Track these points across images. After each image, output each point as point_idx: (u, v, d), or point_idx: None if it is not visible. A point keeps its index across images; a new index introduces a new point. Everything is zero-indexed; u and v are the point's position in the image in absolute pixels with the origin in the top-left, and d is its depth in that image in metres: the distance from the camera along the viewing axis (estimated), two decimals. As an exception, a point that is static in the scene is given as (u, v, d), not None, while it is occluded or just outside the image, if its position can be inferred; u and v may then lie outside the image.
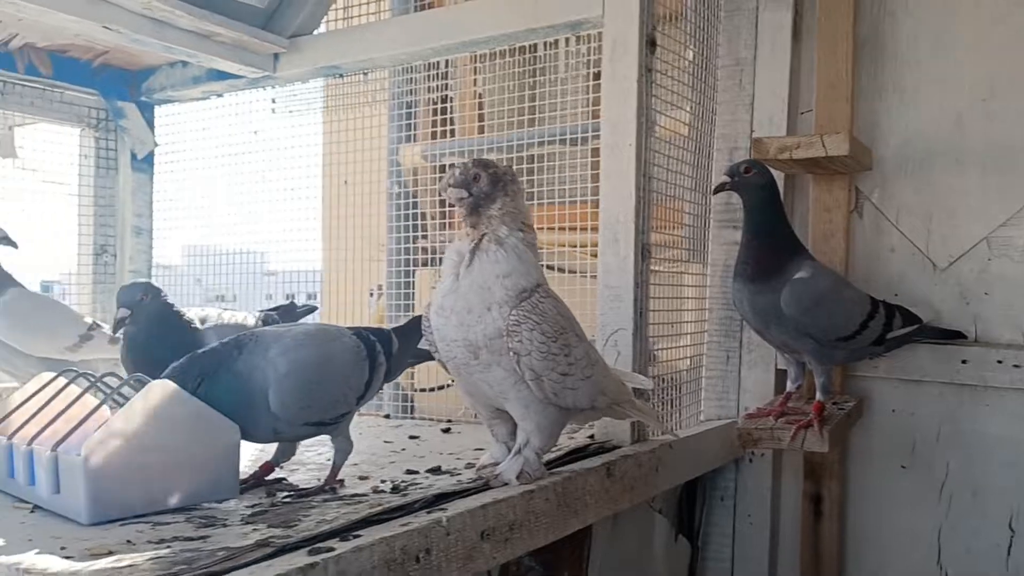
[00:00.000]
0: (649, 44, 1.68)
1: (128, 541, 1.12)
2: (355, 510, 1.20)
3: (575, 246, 2.20)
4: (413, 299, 2.44)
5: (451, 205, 1.35)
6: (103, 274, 2.58)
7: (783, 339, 1.83)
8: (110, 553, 1.06)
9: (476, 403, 1.41)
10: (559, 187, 2.15)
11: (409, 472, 1.56)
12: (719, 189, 1.88)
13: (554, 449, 1.66)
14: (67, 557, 1.04)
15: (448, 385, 2.26)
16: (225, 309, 1.92)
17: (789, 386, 1.95)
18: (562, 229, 2.17)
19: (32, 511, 1.31)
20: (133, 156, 2.61)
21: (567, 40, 2.12)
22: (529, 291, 1.30)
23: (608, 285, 1.70)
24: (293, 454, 1.55)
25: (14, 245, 1.80)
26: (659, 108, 1.77)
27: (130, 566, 0.99)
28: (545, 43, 2.13)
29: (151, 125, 2.65)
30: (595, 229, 2.02)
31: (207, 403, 1.33)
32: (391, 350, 1.56)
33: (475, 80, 2.46)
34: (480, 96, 2.50)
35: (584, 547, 1.57)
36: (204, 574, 0.93)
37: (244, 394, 1.37)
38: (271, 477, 1.52)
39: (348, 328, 1.56)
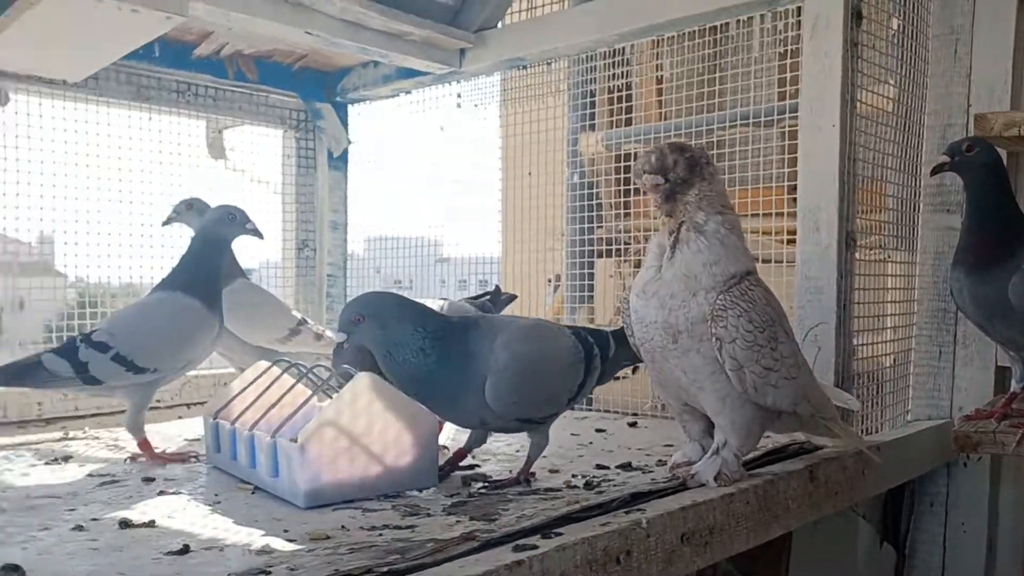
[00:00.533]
0: (855, 17, 1.57)
1: (343, 527, 1.18)
2: (553, 506, 1.21)
3: (766, 233, 2.11)
4: (593, 289, 2.43)
5: (644, 192, 1.30)
6: (304, 267, 2.76)
7: (1009, 334, 1.66)
8: (327, 538, 1.12)
9: (668, 395, 1.37)
10: (748, 172, 2.06)
11: (599, 467, 1.55)
12: (937, 170, 1.71)
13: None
14: (290, 540, 1.12)
15: (627, 376, 2.22)
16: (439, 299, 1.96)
17: (1013, 386, 1.77)
18: (754, 215, 2.07)
19: (253, 492, 1.41)
20: (329, 154, 2.76)
21: (762, 17, 2.02)
22: (739, 277, 1.25)
23: (808, 276, 1.61)
24: (484, 442, 1.58)
25: (260, 236, 1.85)
26: (862, 84, 1.65)
27: (349, 552, 1.04)
28: (738, 21, 2.03)
29: (345, 124, 2.80)
30: (789, 215, 1.92)
31: (427, 373, 1.36)
32: (607, 353, 1.51)
33: (657, 65, 2.40)
34: (661, 81, 2.43)
35: (783, 552, 1.50)
36: (417, 565, 0.96)
37: (463, 376, 1.37)
38: (464, 463, 1.56)
39: (567, 327, 1.55)
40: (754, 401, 1.27)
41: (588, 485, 1.41)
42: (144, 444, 1.68)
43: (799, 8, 1.66)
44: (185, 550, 1.07)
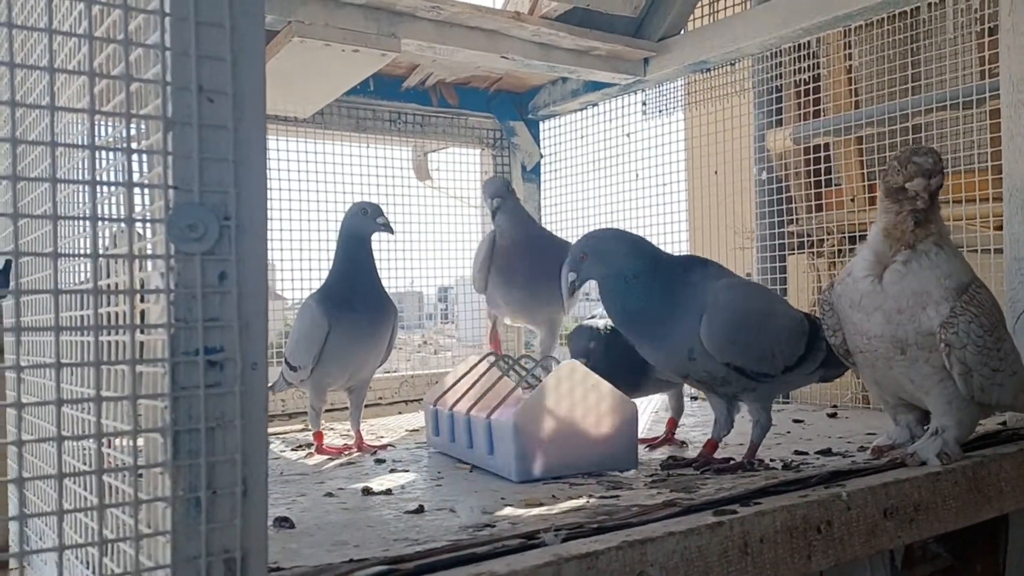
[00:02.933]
0: (1058, -14, 1.50)
1: (553, 496, 1.30)
2: (751, 481, 1.26)
3: (971, 219, 2.02)
4: (786, 284, 2.42)
5: (915, 196, 1.24)
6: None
7: None
8: (541, 504, 1.25)
9: (883, 392, 1.39)
10: (949, 156, 1.99)
11: (798, 453, 1.57)
12: None
13: (959, 435, 1.56)
14: (508, 505, 1.25)
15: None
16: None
17: None
18: (956, 202, 2.00)
19: (471, 470, 1.57)
20: (523, 168, 2.94)
21: (955, -3, 1.96)
22: (967, 285, 1.25)
23: (1017, 258, 1.55)
24: (682, 411, 1.66)
25: (391, 231, 1.83)
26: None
27: (561, 513, 1.16)
28: (929, 4, 1.98)
29: (536, 139, 2.97)
30: (995, 199, 1.84)
31: (639, 300, 1.39)
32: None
33: (847, 55, 2.37)
34: (851, 71, 2.40)
35: (1000, 539, 1.45)
36: (623, 523, 1.05)
37: (677, 307, 1.37)
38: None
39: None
40: (979, 401, 1.28)
41: (786, 467, 1.44)
42: (316, 436, 1.86)
43: (996, -16, 1.61)
44: (420, 510, 1.24)
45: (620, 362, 1.58)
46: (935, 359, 1.24)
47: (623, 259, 1.41)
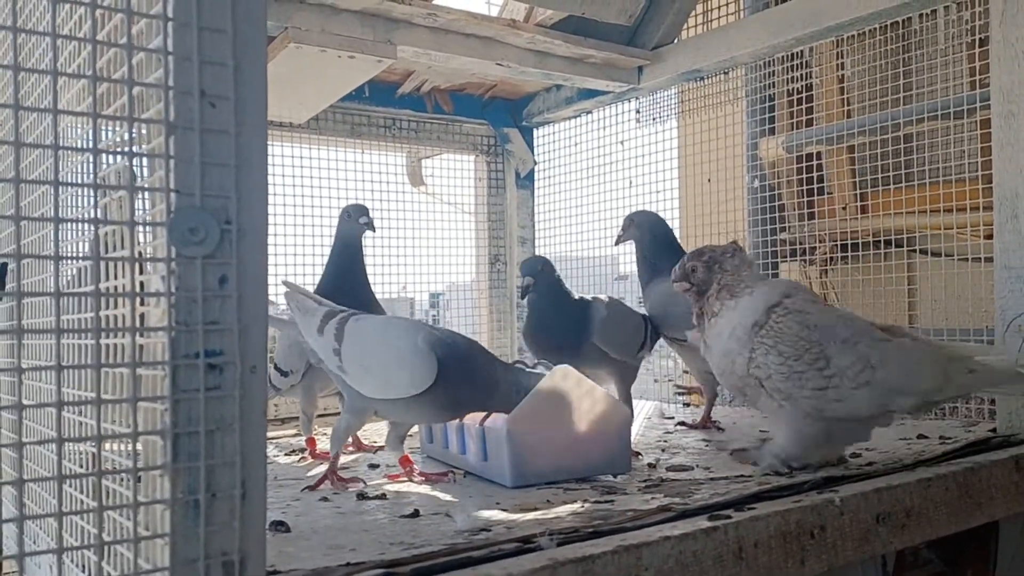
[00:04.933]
0: (1048, -2, 1.52)
1: (547, 501, 1.30)
2: (744, 487, 1.27)
3: (961, 227, 2.04)
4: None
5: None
6: (496, 281, 2.95)
7: None
8: (535, 508, 1.25)
9: None
10: (940, 165, 2.01)
11: (791, 458, 1.58)
12: None
13: (949, 441, 1.57)
14: (503, 510, 1.25)
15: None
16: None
17: None
18: (947, 211, 2.02)
19: (464, 475, 1.57)
20: (517, 175, 2.95)
21: (946, 9, 1.98)
22: (759, 323, 1.36)
23: (1007, 266, 1.57)
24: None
25: (372, 228, 1.84)
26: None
27: (556, 517, 1.16)
28: (921, 15, 2.01)
29: (531, 146, 2.98)
30: (986, 208, 1.86)
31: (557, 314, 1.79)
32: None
33: (839, 64, 2.39)
34: (843, 80, 2.42)
35: (990, 546, 1.46)
36: (618, 528, 1.06)
37: (579, 319, 1.84)
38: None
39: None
40: (828, 417, 1.33)
41: (779, 473, 1.45)
42: (309, 442, 1.84)
43: (986, -5, 1.63)
44: (416, 514, 1.24)
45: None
46: (756, 394, 1.37)
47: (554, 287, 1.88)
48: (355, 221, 1.81)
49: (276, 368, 1.86)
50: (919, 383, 1.32)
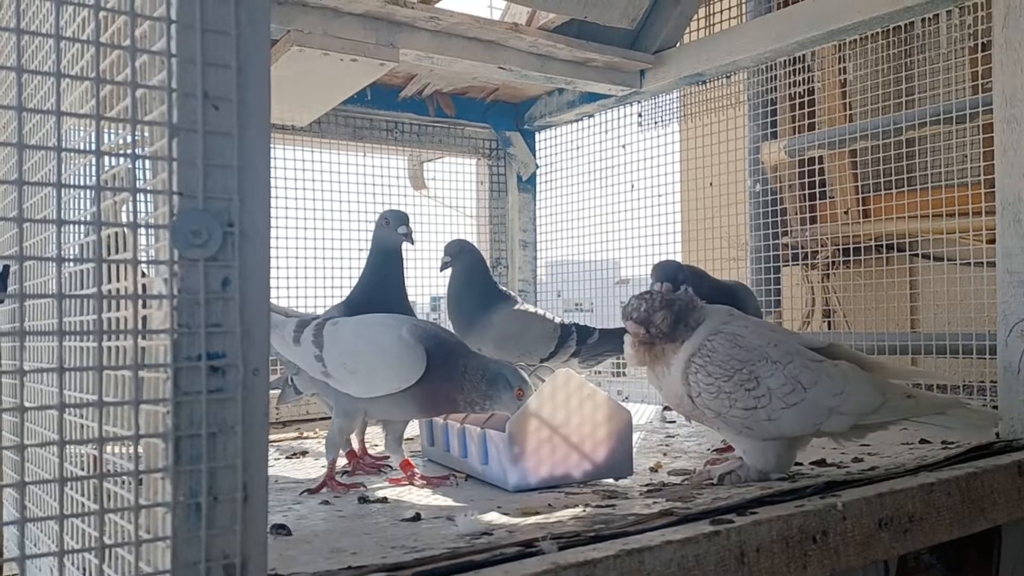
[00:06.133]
0: (1050, 3, 1.52)
1: (549, 504, 1.30)
2: (746, 491, 1.26)
3: (963, 232, 2.04)
4: (780, 295, 2.44)
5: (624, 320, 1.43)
6: (499, 283, 2.94)
7: None
8: (537, 513, 1.25)
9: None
10: (942, 169, 2.01)
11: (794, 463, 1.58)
12: None
13: (952, 446, 1.57)
14: (504, 514, 1.25)
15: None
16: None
17: None
18: (949, 215, 2.02)
19: (465, 479, 1.56)
20: (519, 178, 2.95)
21: (948, 13, 1.98)
22: (694, 352, 1.35)
23: (1010, 271, 1.57)
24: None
25: (410, 241, 1.75)
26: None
27: (558, 521, 1.16)
28: (923, 19, 2.01)
29: (533, 150, 2.98)
30: (988, 212, 1.86)
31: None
32: (587, 340, 2.00)
33: (841, 68, 2.39)
34: (845, 84, 2.42)
35: (993, 552, 1.46)
36: (620, 532, 1.05)
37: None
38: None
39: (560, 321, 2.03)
40: (763, 437, 1.34)
41: (783, 478, 1.44)
42: (349, 455, 1.66)
43: (988, 0, 1.63)
44: (417, 518, 1.24)
45: None
46: (717, 422, 1.37)
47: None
48: (393, 230, 1.71)
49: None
50: (852, 405, 1.32)
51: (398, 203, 2.76)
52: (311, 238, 2.54)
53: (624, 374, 2.65)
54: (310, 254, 2.53)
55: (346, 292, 2.53)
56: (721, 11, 2.51)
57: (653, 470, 1.57)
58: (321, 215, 2.55)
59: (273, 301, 1.63)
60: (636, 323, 1.39)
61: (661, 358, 1.39)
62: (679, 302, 1.40)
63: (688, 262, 2.68)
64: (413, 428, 2.19)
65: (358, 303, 1.66)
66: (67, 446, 0.72)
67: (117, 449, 0.79)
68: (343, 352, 1.46)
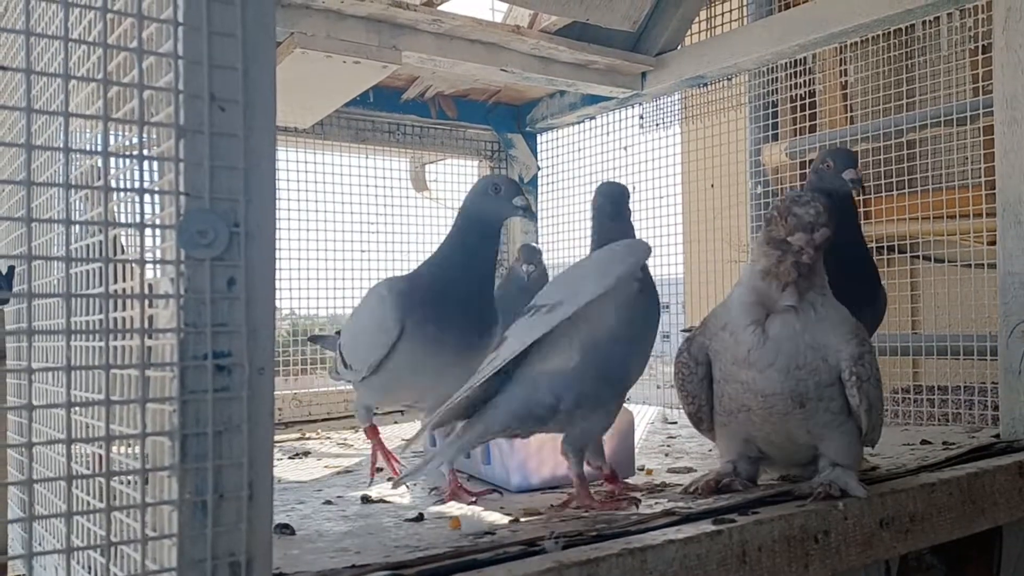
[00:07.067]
0: (1050, 5, 1.53)
1: (551, 505, 1.30)
2: (749, 491, 1.27)
3: (964, 234, 2.05)
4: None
5: (793, 252, 1.15)
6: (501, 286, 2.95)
7: None
8: (539, 512, 1.25)
9: (751, 442, 1.29)
10: (943, 171, 2.02)
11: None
12: None
13: (953, 447, 1.58)
14: (508, 515, 1.25)
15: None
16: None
17: None
18: (950, 217, 2.03)
19: (468, 479, 1.57)
20: (520, 180, 2.96)
21: (949, 15, 1.99)
22: (855, 323, 1.20)
23: (1011, 272, 1.57)
24: None
25: (531, 217, 1.47)
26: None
27: (560, 521, 1.16)
28: (924, 22, 2.01)
29: (534, 151, 2.99)
30: (989, 214, 1.87)
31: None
32: None
33: (842, 71, 2.40)
34: (846, 86, 2.43)
35: (993, 552, 1.46)
36: (623, 531, 1.06)
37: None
38: None
39: None
40: (866, 442, 1.24)
41: (783, 478, 1.45)
42: (370, 431, 1.54)
43: (989, 3, 1.64)
44: (420, 518, 1.24)
45: None
46: (835, 405, 1.19)
47: None
48: (506, 200, 1.35)
49: (340, 354, 1.52)
50: None
51: (399, 205, 2.76)
52: (313, 239, 2.54)
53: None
54: (312, 255, 2.54)
55: (347, 291, 2.58)
56: (722, 14, 2.52)
57: (647, 473, 1.56)
58: (323, 216, 2.55)
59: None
60: (826, 226, 1.13)
61: (811, 290, 1.17)
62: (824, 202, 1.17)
63: (689, 264, 2.69)
64: (415, 429, 2.19)
65: (429, 283, 1.36)
66: (74, 446, 0.72)
67: (124, 449, 0.79)
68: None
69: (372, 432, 1.53)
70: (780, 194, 2.48)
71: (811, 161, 2.37)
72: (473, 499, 1.36)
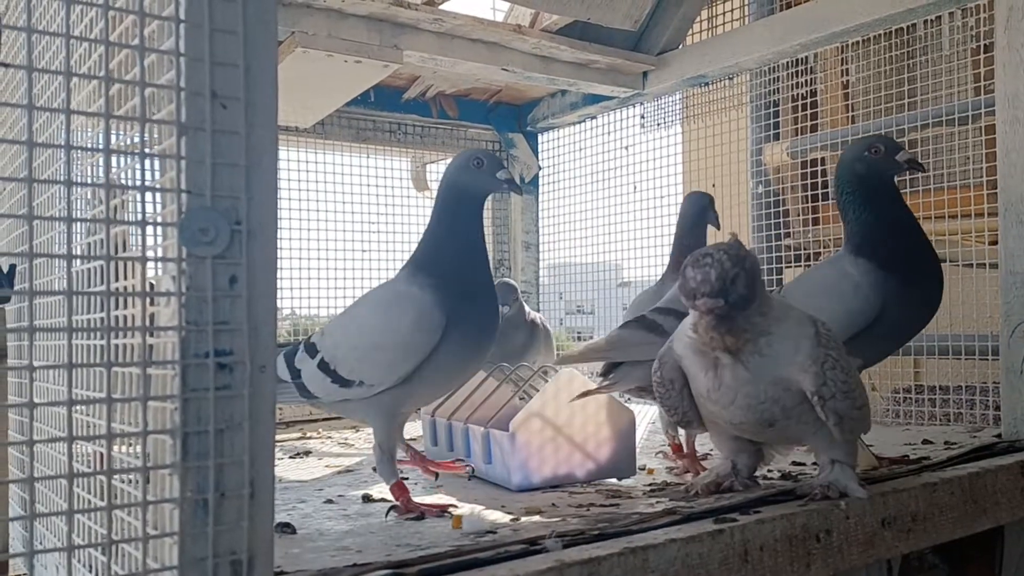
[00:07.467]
0: (1052, 5, 1.53)
1: (553, 504, 1.30)
2: (750, 491, 1.27)
3: (966, 233, 2.04)
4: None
5: (691, 301, 1.10)
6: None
7: None
8: (540, 511, 1.25)
9: (741, 438, 1.29)
10: (945, 171, 2.02)
11: (796, 464, 1.58)
12: None
13: (954, 446, 1.58)
14: (509, 513, 1.25)
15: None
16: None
17: None
18: (951, 217, 2.02)
19: (469, 479, 1.57)
20: (521, 180, 2.96)
21: (951, 15, 1.99)
22: (815, 335, 1.15)
23: (1012, 271, 1.57)
24: None
25: (518, 190, 1.40)
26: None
27: (561, 520, 1.16)
28: (926, 21, 2.01)
29: (535, 151, 2.99)
30: (990, 214, 1.87)
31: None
32: None
33: (844, 70, 2.40)
34: (848, 86, 2.43)
35: (995, 552, 1.46)
36: (624, 530, 1.06)
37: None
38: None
39: None
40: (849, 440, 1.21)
41: (784, 477, 1.45)
42: (396, 488, 1.28)
43: (990, 2, 1.64)
44: (421, 517, 1.24)
45: None
46: (808, 417, 1.16)
47: None
48: (489, 174, 1.29)
49: (330, 374, 1.29)
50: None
51: (400, 204, 2.76)
52: (314, 239, 2.54)
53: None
54: (313, 255, 2.54)
55: (347, 292, 2.58)
56: (724, 13, 2.52)
57: (649, 472, 1.56)
58: (324, 216, 2.55)
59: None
60: (712, 297, 1.07)
61: (747, 342, 1.12)
62: (749, 258, 1.11)
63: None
64: (415, 429, 2.19)
65: (454, 271, 1.26)
66: (75, 444, 0.72)
67: (125, 448, 0.79)
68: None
69: (402, 490, 1.29)
70: (780, 194, 2.49)
71: (812, 160, 2.38)
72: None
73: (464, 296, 1.24)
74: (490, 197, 2.85)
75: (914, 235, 1.47)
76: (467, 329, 1.25)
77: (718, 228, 1.74)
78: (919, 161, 1.51)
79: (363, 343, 1.27)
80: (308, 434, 2.22)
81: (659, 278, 1.92)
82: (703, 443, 1.74)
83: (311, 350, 1.31)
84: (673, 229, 2.65)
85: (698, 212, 1.83)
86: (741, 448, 1.30)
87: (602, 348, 1.53)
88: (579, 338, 2.86)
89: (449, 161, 1.36)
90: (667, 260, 2.66)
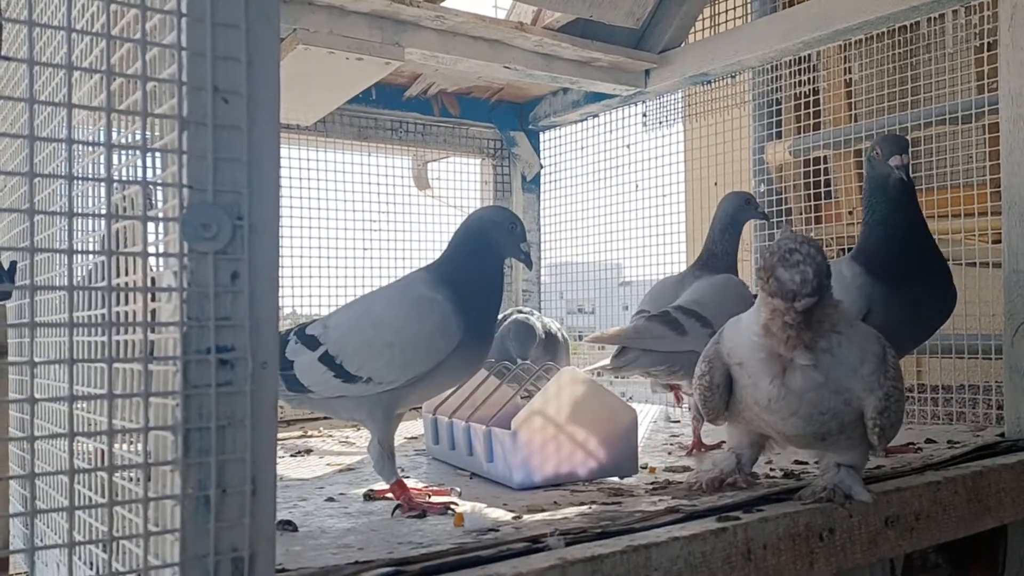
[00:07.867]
0: (1057, 2, 1.52)
1: (555, 502, 1.30)
2: (753, 489, 1.26)
3: (969, 232, 2.04)
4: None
5: (787, 317, 1.07)
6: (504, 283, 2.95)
7: None
8: (542, 510, 1.25)
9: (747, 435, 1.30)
10: (948, 169, 2.01)
11: (798, 462, 1.58)
12: None
13: (958, 445, 1.57)
14: (511, 512, 1.25)
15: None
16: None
17: None
18: (955, 216, 2.02)
19: (471, 478, 1.56)
20: (523, 178, 2.95)
21: (954, 13, 1.98)
22: (881, 356, 1.15)
23: (1016, 270, 1.57)
24: None
25: (529, 264, 1.45)
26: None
27: (564, 518, 1.16)
28: (929, 19, 2.01)
29: (537, 149, 2.98)
30: (994, 212, 1.86)
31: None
32: None
33: (846, 68, 2.39)
34: (850, 84, 2.42)
35: (999, 552, 1.46)
36: (627, 528, 1.05)
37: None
38: None
39: None
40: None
41: (787, 475, 1.44)
42: (397, 487, 1.32)
43: (994, 0, 1.64)
44: (423, 515, 1.24)
45: None
46: (856, 434, 1.17)
47: None
48: (517, 240, 1.38)
49: (332, 367, 1.31)
50: None
51: (402, 203, 2.76)
52: (315, 237, 2.54)
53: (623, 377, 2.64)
54: (314, 253, 2.54)
55: (347, 291, 2.57)
56: (726, 11, 2.51)
57: (651, 471, 1.56)
58: (325, 214, 2.55)
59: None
60: (811, 296, 1.05)
61: (822, 336, 1.09)
62: (820, 253, 1.08)
63: (691, 263, 2.68)
64: (415, 427, 2.19)
65: (471, 285, 1.36)
66: (76, 440, 0.72)
67: (126, 444, 0.79)
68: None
69: (401, 487, 1.33)
70: (784, 192, 2.48)
71: (815, 159, 2.37)
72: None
73: (479, 318, 1.34)
74: (492, 197, 2.88)
75: (914, 241, 1.49)
76: (473, 346, 1.34)
77: (767, 220, 1.85)
78: (908, 176, 1.49)
79: (379, 340, 1.30)
80: (309, 432, 2.22)
81: (680, 272, 1.97)
82: (707, 432, 1.75)
83: (311, 343, 1.33)
84: (675, 228, 2.68)
85: (736, 210, 1.84)
86: (753, 442, 1.30)
87: (629, 335, 1.72)
88: (579, 338, 2.84)
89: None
90: (669, 259, 2.69)
